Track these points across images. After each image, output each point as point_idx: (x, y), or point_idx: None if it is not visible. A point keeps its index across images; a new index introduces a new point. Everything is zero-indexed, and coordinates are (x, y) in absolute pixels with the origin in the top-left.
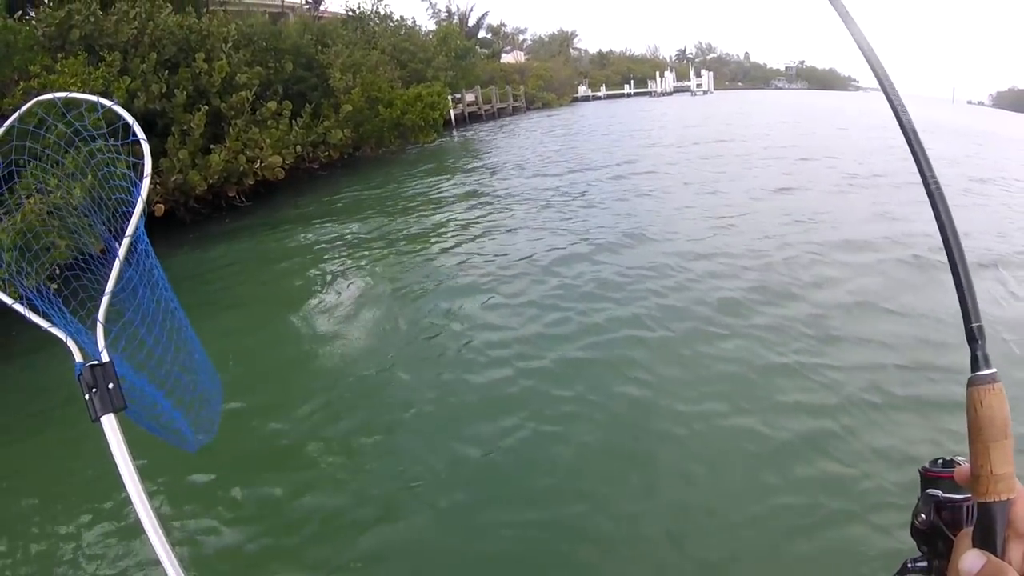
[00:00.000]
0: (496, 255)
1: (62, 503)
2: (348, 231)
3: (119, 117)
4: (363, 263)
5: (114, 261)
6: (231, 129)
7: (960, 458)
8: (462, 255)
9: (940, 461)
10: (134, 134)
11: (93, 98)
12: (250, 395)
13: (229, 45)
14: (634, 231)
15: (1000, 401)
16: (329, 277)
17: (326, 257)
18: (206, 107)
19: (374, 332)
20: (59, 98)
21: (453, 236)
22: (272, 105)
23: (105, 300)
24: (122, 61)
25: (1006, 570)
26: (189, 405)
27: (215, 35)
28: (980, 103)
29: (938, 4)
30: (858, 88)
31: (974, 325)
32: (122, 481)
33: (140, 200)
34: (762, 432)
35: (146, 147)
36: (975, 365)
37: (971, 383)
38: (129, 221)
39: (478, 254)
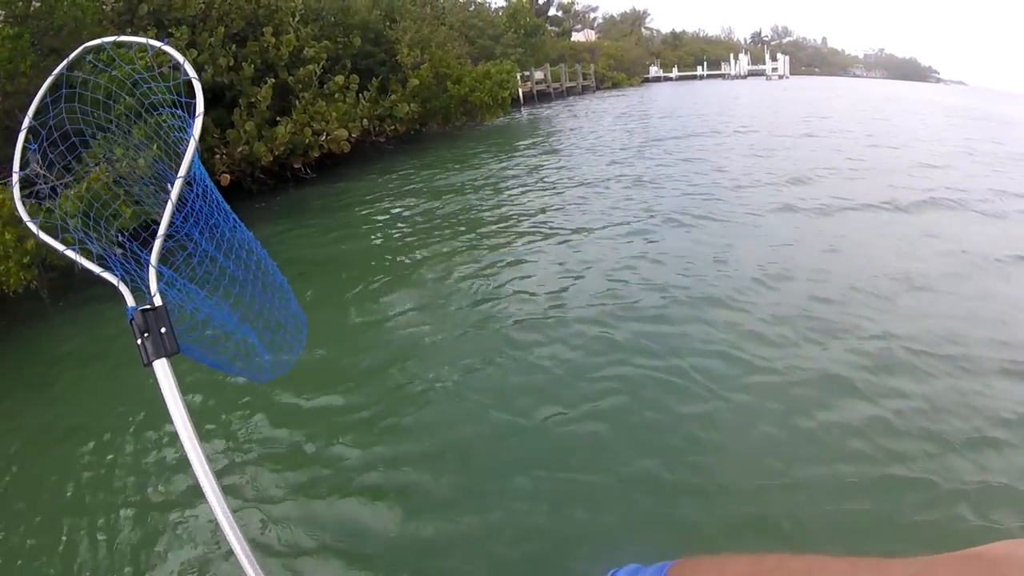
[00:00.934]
0: (563, 236)
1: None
2: (411, 205)
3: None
4: (426, 238)
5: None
6: (298, 102)
7: None
8: (528, 234)
9: None
10: (186, 73)
11: (143, 40)
12: (318, 358)
13: (297, 19)
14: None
15: None
16: (391, 249)
17: (388, 230)
18: (273, 80)
19: (434, 306)
20: (108, 43)
21: (518, 215)
22: (339, 79)
23: (158, 243)
24: (190, 35)
25: None
26: (266, 327)
27: (283, 10)
28: None
29: None
30: (938, 79)
31: None
32: (175, 425)
33: (192, 140)
34: None
35: (198, 86)
36: None
37: None
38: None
39: (544, 232)
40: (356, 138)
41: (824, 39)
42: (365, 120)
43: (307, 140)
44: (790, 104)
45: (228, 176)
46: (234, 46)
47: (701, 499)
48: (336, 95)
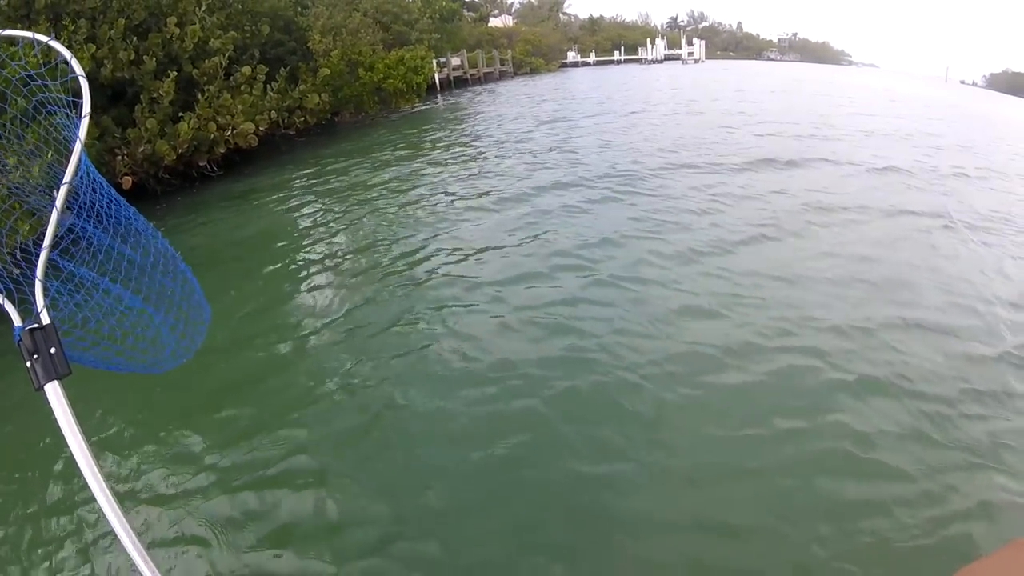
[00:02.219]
0: (478, 219)
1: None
2: (321, 199)
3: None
4: (335, 233)
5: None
6: (202, 96)
7: None
8: (442, 220)
9: None
10: (74, 71)
11: (27, 34)
12: (216, 363)
13: (203, 8)
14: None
15: None
16: (298, 247)
17: (293, 226)
18: (176, 73)
19: (344, 305)
20: None
21: (433, 202)
22: (246, 70)
23: (43, 256)
24: (89, 28)
25: None
26: (176, 316)
27: None
28: (974, 83)
29: None
30: (851, 63)
31: None
32: (70, 451)
33: (78, 141)
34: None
35: (84, 84)
36: None
37: None
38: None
39: (459, 218)
40: (264, 131)
41: (739, 24)
42: (273, 112)
43: (212, 136)
44: (686, 84)
45: (130, 179)
46: (135, 39)
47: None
48: (243, 87)
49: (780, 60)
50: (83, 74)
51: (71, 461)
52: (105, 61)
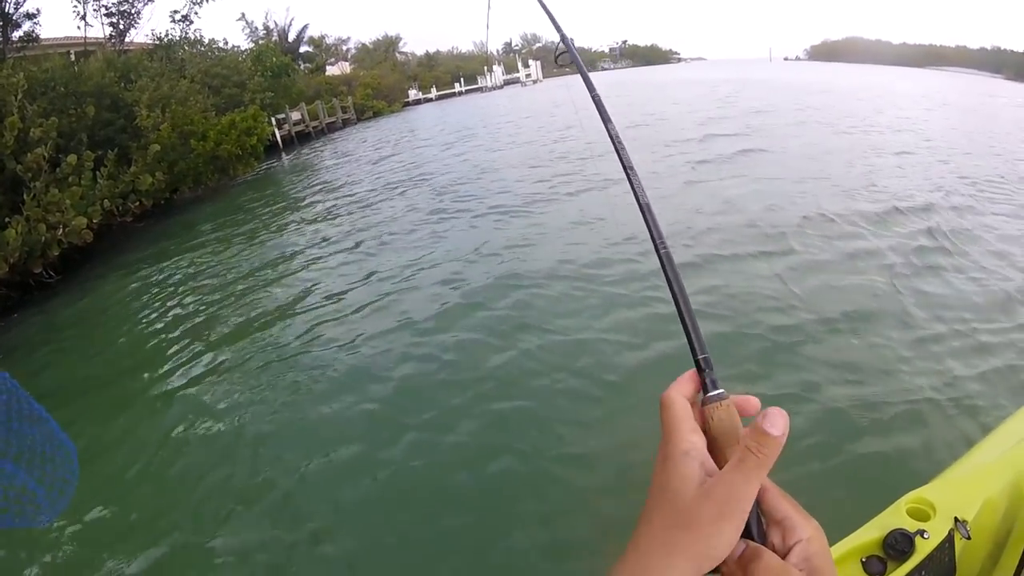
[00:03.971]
0: (334, 281)
1: None
2: (169, 288)
3: None
4: (192, 321)
5: None
6: (27, 196)
7: None
8: (298, 288)
9: None
10: None
11: None
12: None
13: (20, 97)
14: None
15: (730, 414)
16: (153, 345)
17: (147, 324)
18: None
19: (214, 391)
20: None
21: (286, 273)
22: (72, 158)
23: None
24: None
25: (762, 552)
26: (41, 463)
27: (6, 87)
28: (797, 58)
29: None
30: (680, 60)
31: (701, 357)
32: None
33: None
34: None
35: None
36: (705, 389)
37: (704, 403)
38: None
39: (314, 282)
40: (99, 223)
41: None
42: (106, 201)
43: (43, 237)
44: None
45: None
46: None
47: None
48: (71, 178)
49: (613, 68)
50: None
51: None
52: None
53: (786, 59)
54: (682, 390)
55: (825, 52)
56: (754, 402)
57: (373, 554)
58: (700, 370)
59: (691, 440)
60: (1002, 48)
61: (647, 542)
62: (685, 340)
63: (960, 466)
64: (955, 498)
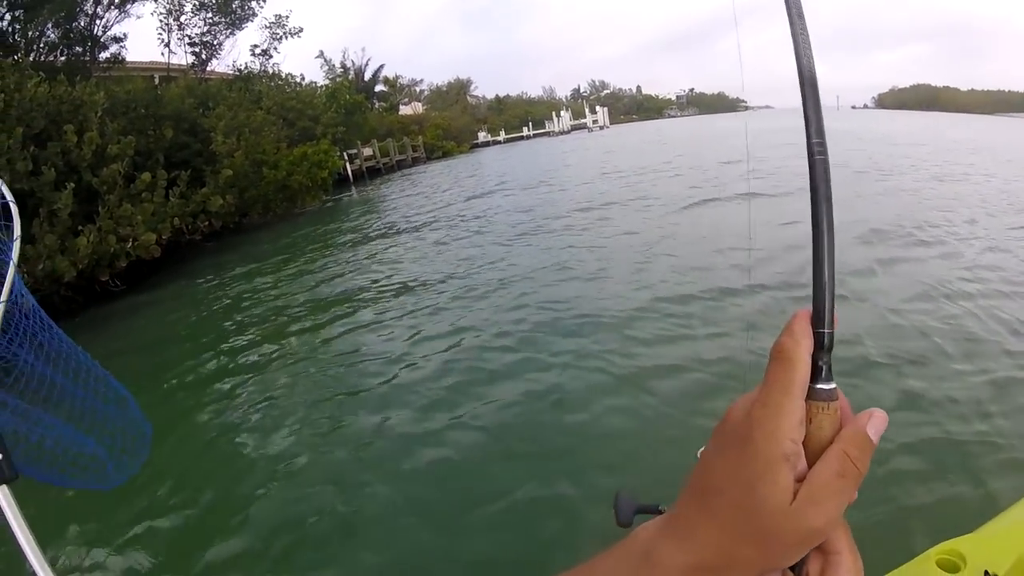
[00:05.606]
0: (399, 311)
1: None
2: (232, 308)
3: None
4: (248, 341)
5: None
6: (101, 207)
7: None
8: (362, 313)
9: None
10: (2, 195)
11: None
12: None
13: (99, 115)
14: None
15: (832, 424)
16: (210, 361)
17: (205, 340)
18: (75, 184)
19: (272, 412)
20: None
21: (351, 299)
22: (146, 176)
23: None
24: None
25: None
26: (112, 435)
27: (88, 104)
28: (865, 106)
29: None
30: (747, 108)
31: (826, 332)
32: (23, 554)
33: (12, 264)
34: None
35: (14, 208)
36: (814, 376)
37: (810, 395)
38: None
39: (380, 308)
40: (168, 239)
41: (639, 87)
42: (176, 219)
43: (113, 248)
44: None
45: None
46: (34, 147)
47: None
48: (143, 194)
49: (680, 116)
50: (12, 199)
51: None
52: (1, 173)
53: (853, 107)
54: (806, 346)
55: (893, 100)
56: (863, 419)
57: None
58: (819, 347)
59: (795, 440)
60: None
61: (704, 539)
62: None
63: (998, 522)
64: (987, 552)
